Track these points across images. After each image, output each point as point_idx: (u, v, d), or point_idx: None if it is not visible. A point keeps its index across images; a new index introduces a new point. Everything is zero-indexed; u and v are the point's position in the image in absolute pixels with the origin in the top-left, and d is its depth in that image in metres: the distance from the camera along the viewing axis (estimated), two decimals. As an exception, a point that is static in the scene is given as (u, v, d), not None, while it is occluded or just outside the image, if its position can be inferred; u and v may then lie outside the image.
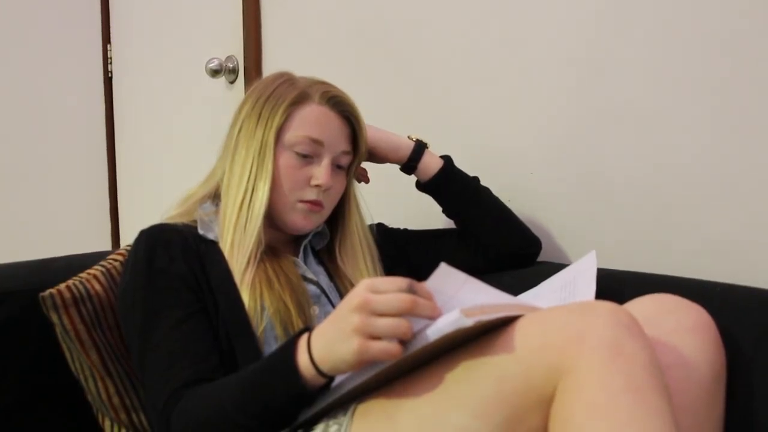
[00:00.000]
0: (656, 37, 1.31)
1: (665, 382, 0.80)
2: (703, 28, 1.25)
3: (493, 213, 1.40)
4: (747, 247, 1.23)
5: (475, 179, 1.42)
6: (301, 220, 1.24)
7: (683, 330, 0.95)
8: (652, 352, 0.81)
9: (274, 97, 1.23)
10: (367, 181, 1.40)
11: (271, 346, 1.12)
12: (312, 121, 1.22)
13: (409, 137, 1.39)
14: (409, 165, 1.38)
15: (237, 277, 1.15)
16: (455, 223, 1.42)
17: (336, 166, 1.26)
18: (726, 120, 1.24)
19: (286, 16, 2.06)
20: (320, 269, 1.30)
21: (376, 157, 1.38)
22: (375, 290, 0.84)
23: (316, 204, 1.23)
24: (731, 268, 1.22)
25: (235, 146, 1.24)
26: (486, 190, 1.41)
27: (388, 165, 1.40)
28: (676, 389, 0.88)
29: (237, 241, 1.18)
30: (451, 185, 1.39)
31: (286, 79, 1.26)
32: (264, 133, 1.21)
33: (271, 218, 1.23)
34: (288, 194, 1.22)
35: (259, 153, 1.21)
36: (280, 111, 1.21)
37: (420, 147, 1.37)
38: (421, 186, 1.41)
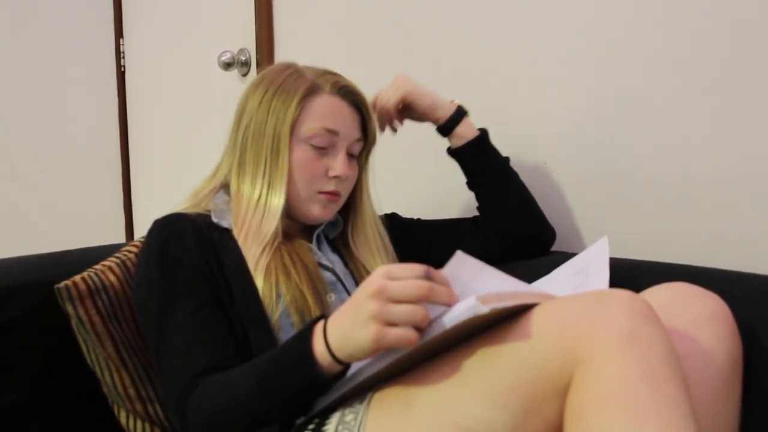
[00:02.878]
0: (672, 27, 1.30)
1: (682, 371, 0.79)
2: (720, 18, 1.24)
3: (516, 193, 1.40)
4: (764, 236, 1.22)
5: (506, 159, 1.42)
6: (320, 210, 1.24)
7: (700, 319, 0.95)
8: (668, 340, 0.80)
9: (284, 89, 1.21)
10: (394, 129, 1.41)
11: (287, 333, 1.12)
12: (326, 112, 1.22)
13: (452, 102, 1.39)
14: (446, 126, 1.38)
15: (251, 264, 1.15)
16: (476, 196, 1.42)
17: (349, 155, 1.26)
18: (741, 108, 1.23)
19: (298, 8, 2.05)
20: (335, 257, 1.30)
21: (414, 112, 1.38)
22: (392, 277, 0.84)
23: (334, 194, 1.23)
24: (748, 256, 1.22)
25: (244, 141, 1.23)
26: (513, 172, 1.42)
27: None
28: (693, 378, 0.88)
29: (252, 236, 1.18)
30: (482, 155, 1.39)
31: (293, 71, 1.25)
32: (276, 127, 1.20)
33: (287, 209, 1.22)
34: (306, 187, 1.22)
35: (272, 148, 1.20)
36: (293, 104, 1.20)
37: (460, 112, 1.38)
38: (452, 151, 1.41)
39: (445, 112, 1.38)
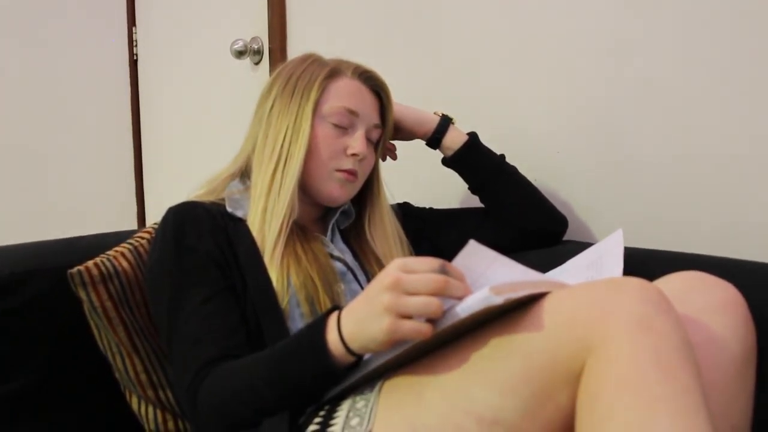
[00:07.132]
0: (685, 18, 1.29)
1: (695, 359, 0.79)
2: (733, 9, 1.23)
3: (518, 190, 1.40)
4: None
5: (501, 156, 1.41)
6: (337, 189, 1.25)
7: (713, 307, 0.94)
8: (681, 328, 0.80)
9: (307, 74, 1.25)
10: (394, 157, 1.41)
11: (296, 322, 1.12)
12: (347, 93, 1.25)
13: (435, 113, 1.40)
14: (434, 138, 1.39)
15: (266, 254, 1.15)
16: (480, 199, 1.42)
17: (367, 139, 1.27)
18: (752, 97, 1.22)
19: (310, -4, 2.05)
20: (345, 248, 1.30)
21: (401, 132, 1.39)
22: (407, 270, 0.84)
23: (351, 173, 1.25)
24: (761, 245, 1.21)
25: (268, 121, 1.25)
26: (512, 167, 1.41)
27: (415, 146, 1.39)
28: (706, 367, 0.87)
29: (270, 208, 1.18)
30: (475, 160, 1.39)
31: (314, 59, 1.29)
32: (300, 106, 1.23)
33: (304, 189, 1.24)
34: (325, 163, 1.23)
35: (295, 123, 1.22)
36: (316, 85, 1.23)
37: (445, 121, 1.39)
38: (446, 161, 1.42)
39: (431, 125, 1.39)
